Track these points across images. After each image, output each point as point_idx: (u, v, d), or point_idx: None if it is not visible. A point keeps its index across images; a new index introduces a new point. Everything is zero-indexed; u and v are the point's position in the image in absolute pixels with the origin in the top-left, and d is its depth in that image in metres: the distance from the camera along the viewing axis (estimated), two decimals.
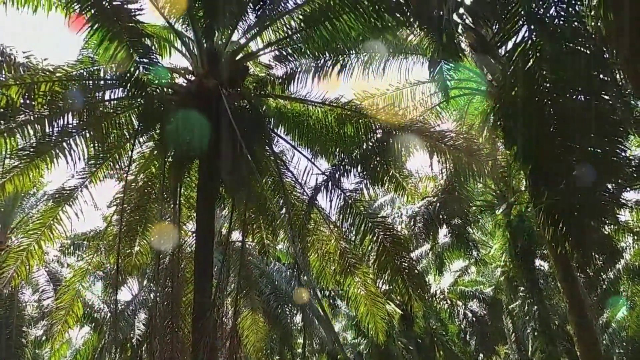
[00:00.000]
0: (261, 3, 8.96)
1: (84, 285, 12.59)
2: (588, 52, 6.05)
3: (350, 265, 10.61)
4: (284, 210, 10.39)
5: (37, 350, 23.78)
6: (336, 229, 10.69)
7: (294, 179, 10.68)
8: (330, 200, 9.71)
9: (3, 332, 18.21)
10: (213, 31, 8.77)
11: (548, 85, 6.14)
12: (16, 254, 11.02)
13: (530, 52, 6.06)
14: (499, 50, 7.21)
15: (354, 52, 9.40)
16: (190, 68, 9.40)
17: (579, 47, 6.15)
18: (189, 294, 10.15)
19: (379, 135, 9.55)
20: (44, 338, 21.20)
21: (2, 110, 8.21)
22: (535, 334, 15.21)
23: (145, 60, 8.11)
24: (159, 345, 10.01)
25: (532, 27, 5.98)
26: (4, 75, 8.48)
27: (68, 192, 10.57)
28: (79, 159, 9.57)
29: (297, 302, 16.81)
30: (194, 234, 10.37)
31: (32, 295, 19.91)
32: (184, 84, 9.42)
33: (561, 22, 6.12)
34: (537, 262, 17.26)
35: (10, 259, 11.02)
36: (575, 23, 6.14)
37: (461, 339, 23.74)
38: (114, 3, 7.60)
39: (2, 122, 8.63)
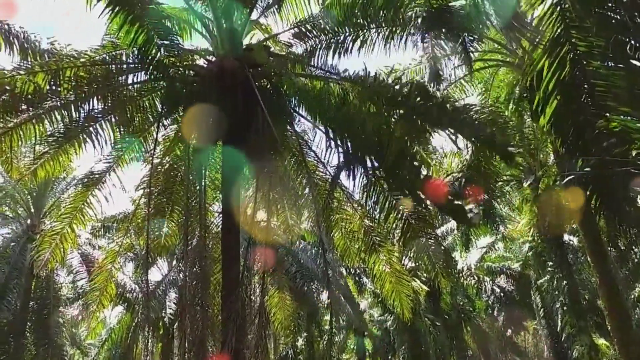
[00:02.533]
0: None
1: (115, 266, 12.90)
2: (619, 17, 5.81)
3: (374, 243, 10.60)
4: (307, 190, 10.40)
5: (74, 330, 24.68)
6: (360, 208, 10.66)
7: (316, 158, 10.65)
8: (354, 179, 9.66)
9: (41, 312, 18.93)
10: (232, 10, 8.71)
11: (577, 53, 5.93)
12: (50, 238, 11.35)
13: (558, 20, 5.85)
14: (526, 19, 7.00)
15: (374, 25, 9.22)
16: (211, 49, 9.39)
17: (609, 13, 5.92)
18: (217, 274, 10.32)
19: (402, 111, 9.40)
20: (79, 318, 22.00)
21: (30, 97, 8.35)
22: (565, 308, 15.04)
23: (166, 42, 8.14)
24: (189, 323, 10.25)
25: None
26: (30, 62, 8.63)
27: (97, 176, 10.80)
28: (106, 143, 9.75)
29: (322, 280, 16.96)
30: (220, 215, 10.49)
31: (66, 276, 20.58)
32: (205, 65, 9.42)
33: None
34: (566, 236, 16.98)
35: (45, 243, 11.36)
36: None
37: (489, 314, 23.69)
38: None
39: (30, 108, 8.79)
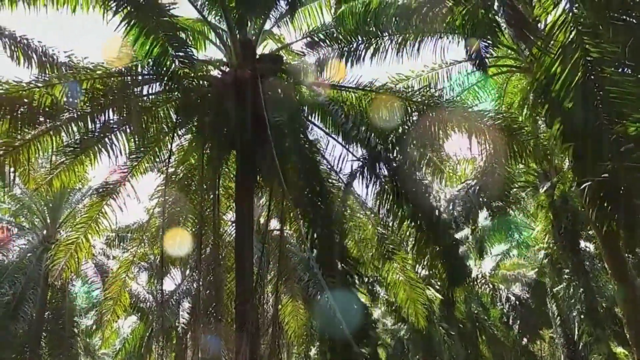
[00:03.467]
0: None
1: (129, 276, 12.99)
2: (634, 22, 5.79)
3: (388, 251, 10.58)
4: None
5: (88, 339, 24.80)
6: (373, 215, 10.65)
7: (329, 166, 10.68)
8: (367, 187, 9.65)
9: (57, 322, 19.07)
10: (245, 21, 8.82)
11: (591, 59, 5.91)
12: (66, 247, 11.48)
13: (571, 25, 5.84)
14: (538, 25, 6.99)
15: (387, 34, 9.27)
16: (225, 59, 9.49)
17: (624, 17, 5.89)
18: (231, 283, 10.36)
19: (414, 118, 9.41)
20: (94, 327, 22.11)
21: (47, 109, 8.49)
22: (582, 317, 14.80)
23: (180, 53, 8.25)
24: (203, 332, 10.27)
25: None
26: (47, 75, 8.79)
27: (111, 186, 10.92)
28: (121, 153, 9.86)
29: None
30: (234, 224, 10.54)
31: (81, 286, 20.73)
32: (219, 76, 9.52)
33: None
34: (582, 243, 16.76)
35: (60, 252, 11.49)
36: None
37: (504, 323, 23.38)
38: None
39: (48, 120, 8.93)
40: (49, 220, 19.06)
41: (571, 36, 5.91)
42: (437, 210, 8.84)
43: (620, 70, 6.18)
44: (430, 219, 8.73)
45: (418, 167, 9.96)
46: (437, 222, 8.86)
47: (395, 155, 9.54)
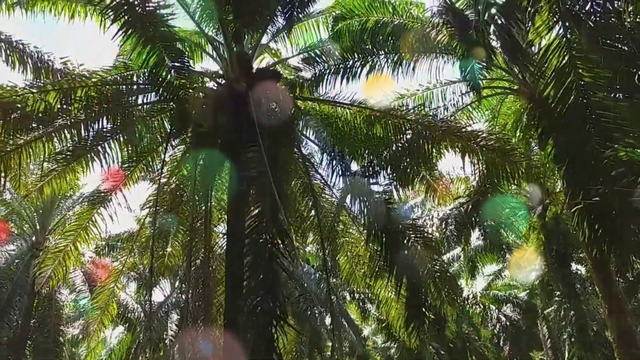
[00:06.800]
0: (290, 6, 9.00)
1: (118, 285, 12.85)
2: (626, 48, 5.86)
3: (380, 268, 10.51)
4: (313, 213, 10.38)
5: (74, 349, 24.44)
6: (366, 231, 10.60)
7: (322, 181, 10.67)
8: (359, 202, 9.62)
9: (42, 330, 18.78)
10: (243, 35, 8.85)
11: (584, 83, 5.96)
12: (54, 255, 11.36)
13: (564, 50, 5.90)
14: (532, 49, 7.05)
15: (383, 52, 9.34)
16: (221, 72, 9.51)
17: (616, 44, 5.96)
18: (221, 295, 10.25)
19: (408, 136, 9.45)
20: (80, 337, 21.80)
21: (40, 115, 8.46)
22: (572, 340, 14.75)
23: (177, 64, 8.25)
24: (191, 345, 10.14)
25: (567, 24, 5.83)
26: (42, 81, 8.76)
27: (103, 194, 10.85)
28: (113, 162, 9.81)
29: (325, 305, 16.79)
30: (225, 236, 10.46)
31: (69, 295, 20.47)
32: (215, 88, 9.53)
33: (597, 19, 5.95)
34: (574, 265, 16.77)
35: (48, 260, 11.36)
36: (613, 19, 5.96)
37: (494, 344, 23.28)
38: (147, 9, 7.75)
39: (40, 126, 8.89)
40: (38, 227, 18.86)
41: (564, 60, 5.98)
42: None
43: (612, 95, 6.24)
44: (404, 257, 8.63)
45: (411, 186, 9.98)
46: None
47: (388, 172, 9.56)
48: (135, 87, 9.25)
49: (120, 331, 22.37)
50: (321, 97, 9.98)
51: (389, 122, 9.58)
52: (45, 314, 18.83)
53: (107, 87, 8.94)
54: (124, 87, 9.22)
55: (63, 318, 20.17)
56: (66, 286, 19.33)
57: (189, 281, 10.69)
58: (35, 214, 18.82)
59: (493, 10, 6.04)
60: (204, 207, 10.17)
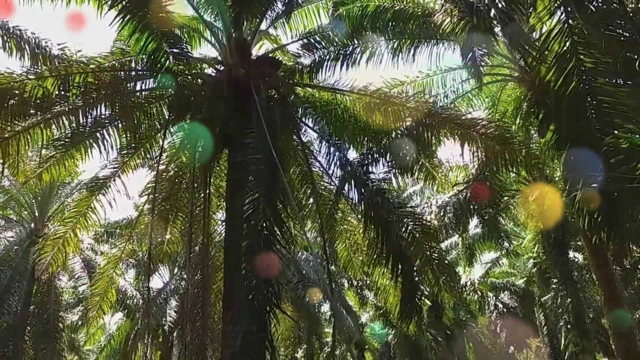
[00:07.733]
0: None
1: (117, 272, 12.88)
2: (627, 34, 5.82)
3: (378, 256, 10.54)
4: (311, 200, 10.38)
5: (73, 335, 24.58)
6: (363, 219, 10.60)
7: (321, 169, 10.65)
8: (358, 190, 9.61)
9: (42, 317, 18.88)
10: (241, 20, 8.78)
11: (585, 69, 5.93)
12: (53, 242, 11.36)
13: (566, 36, 5.87)
14: (533, 34, 7.01)
15: (383, 38, 9.27)
16: (220, 58, 9.44)
17: (617, 30, 5.93)
18: (219, 282, 10.28)
19: (408, 124, 9.42)
20: (79, 323, 21.92)
21: (38, 101, 8.40)
22: (569, 327, 14.88)
23: (175, 50, 8.20)
24: (189, 331, 10.20)
25: (569, 9, 5.78)
26: (40, 67, 8.69)
27: (101, 181, 10.82)
28: (112, 148, 9.79)
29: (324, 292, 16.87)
30: (224, 223, 10.47)
31: (68, 281, 20.54)
32: (214, 74, 9.47)
33: (599, 4, 5.90)
34: (571, 253, 16.85)
35: (48, 247, 11.37)
36: (614, 5, 5.92)
37: (491, 331, 23.49)
38: None
39: (39, 113, 8.84)
40: (37, 214, 18.87)
41: (566, 46, 5.94)
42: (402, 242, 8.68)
43: (613, 81, 6.21)
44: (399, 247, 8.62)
45: (410, 173, 9.96)
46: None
47: (388, 159, 9.53)
48: (133, 73, 9.19)
49: (120, 317, 22.50)
50: (320, 84, 9.93)
51: (389, 109, 9.55)
52: (44, 300, 18.91)
53: (105, 73, 8.87)
54: (122, 73, 9.15)
55: (62, 304, 20.26)
56: (66, 273, 19.39)
57: (188, 268, 10.71)
58: (34, 200, 18.81)
59: None
60: (202, 194, 10.17)
